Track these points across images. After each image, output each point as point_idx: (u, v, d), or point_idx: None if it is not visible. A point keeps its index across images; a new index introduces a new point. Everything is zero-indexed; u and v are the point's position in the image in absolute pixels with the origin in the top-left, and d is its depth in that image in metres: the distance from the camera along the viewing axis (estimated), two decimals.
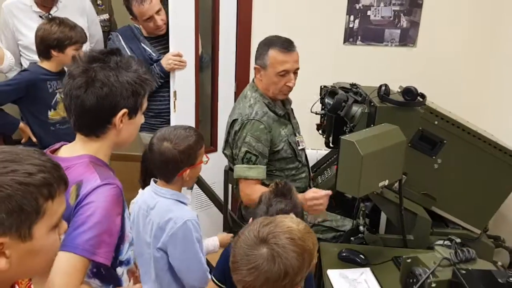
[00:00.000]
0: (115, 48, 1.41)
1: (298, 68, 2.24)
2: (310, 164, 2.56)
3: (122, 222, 1.28)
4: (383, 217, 2.34)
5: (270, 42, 2.22)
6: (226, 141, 2.34)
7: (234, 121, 2.24)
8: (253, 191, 2.11)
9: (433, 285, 1.17)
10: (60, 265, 1.14)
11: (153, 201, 1.72)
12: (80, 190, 1.20)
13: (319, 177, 2.46)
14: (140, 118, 1.36)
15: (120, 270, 1.33)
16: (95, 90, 1.23)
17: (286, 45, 2.19)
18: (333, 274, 1.82)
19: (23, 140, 2.52)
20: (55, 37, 2.32)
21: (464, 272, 1.15)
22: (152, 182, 1.76)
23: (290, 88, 2.24)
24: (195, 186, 2.64)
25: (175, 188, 1.72)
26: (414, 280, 1.20)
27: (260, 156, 2.16)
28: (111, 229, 1.21)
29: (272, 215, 1.40)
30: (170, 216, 1.65)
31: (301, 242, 1.15)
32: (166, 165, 1.69)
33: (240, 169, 2.18)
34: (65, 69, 2.42)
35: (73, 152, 1.31)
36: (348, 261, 1.93)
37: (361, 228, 2.15)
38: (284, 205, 1.62)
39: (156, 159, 1.70)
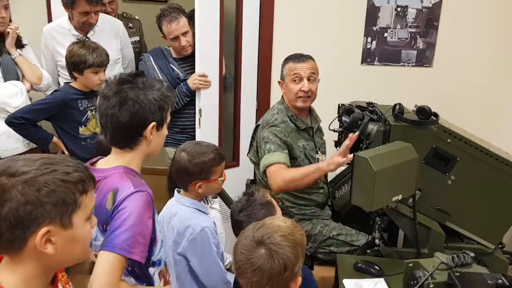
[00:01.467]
0: (141, 71, 1.58)
1: (313, 75, 2.42)
2: (329, 180, 2.68)
3: (153, 226, 1.41)
4: (401, 232, 2.42)
5: (288, 57, 2.50)
6: (251, 145, 2.54)
7: (257, 126, 2.48)
8: (280, 174, 2.22)
9: (431, 286, 1.29)
10: (101, 263, 1.29)
11: (175, 208, 1.87)
12: (116, 196, 1.34)
13: (336, 192, 2.56)
14: (165, 130, 1.52)
15: (152, 270, 1.46)
16: (128, 108, 1.40)
17: (298, 56, 2.45)
18: (349, 284, 1.91)
19: (57, 154, 2.71)
20: (72, 60, 2.49)
21: (458, 274, 1.26)
22: (175, 191, 1.91)
23: (306, 93, 2.40)
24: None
25: (192, 197, 1.86)
26: (415, 282, 1.31)
27: (279, 146, 2.31)
28: (144, 231, 1.35)
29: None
30: (189, 223, 1.80)
31: (292, 236, 1.31)
32: (179, 173, 1.86)
33: (264, 159, 2.32)
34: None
35: (109, 163, 1.47)
36: (363, 272, 2.02)
37: (377, 241, 2.24)
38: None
39: (173, 167, 1.89)
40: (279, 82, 2.54)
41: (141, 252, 1.33)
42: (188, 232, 1.78)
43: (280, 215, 1.80)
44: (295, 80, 2.41)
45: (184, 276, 1.84)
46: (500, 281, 1.22)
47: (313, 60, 2.48)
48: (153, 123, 1.43)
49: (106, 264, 1.28)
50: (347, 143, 2.10)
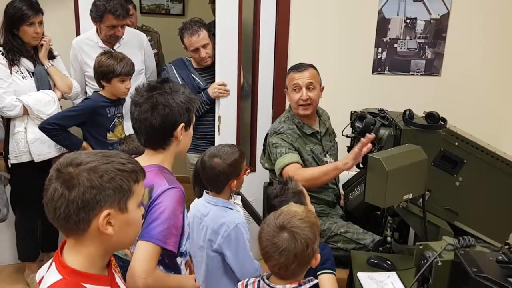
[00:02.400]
0: (166, 77, 1.74)
1: (311, 83, 2.56)
2: (342, 183, 2.82)
3: (183, 219, 1.56)
4: (411, 231, 2.54)
5: (289, 68, 2.67)
6: (263, 152, 2.71)
7: (267, 135, 2.65)
8: (298, 173, 2.35)
9: (439, 263, 1.42)
10: (139, 252, 1.43)
11: (206, 209, 2.00)
12: (152, 192, 1.49)
13: (350, 193, 2.69)
14: (191, 130, 1.67)
15: (179, 260, 1.61)
16: (159, 112, 1.54)
17: (297, 66, 2.61)
18: (363, 277, 2.03)
19: None
20: (101, 70, 2.65)
21: (462, 252, 1.40)
22: (204, 193, 2.05)
23: (305, 101, 2.55)
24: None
25: (224, 197, 2.01)
26: (425, 261, 1.45)
27: (289, 148, 2.47)
28: (177, 224, 1.50)
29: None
30: (223, 221, 1.93)
31: (308, 219, 1.51)
32: (217, 178, 1.98)
33: (278, 162, 2.48)
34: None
35: (143, 162, 1.61)
36: (376, 266, 2.15)
37: (389, 239, 2.37)
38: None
39: (208, 173, 2.00)
40: (285, 91, 2.70)
41: (174, 242, 1.48)
42: (223, 229, 1.91)
43: (309, 203, 2.02)
44: (295, 90, 2.57)
45: (217, 270, 1.98)
46: (500, 257, 1.36)
47: (314, 68, 2.61)
48: (182, 124, 1.58)
49: (144, 253, 1.43)
50: (364, 140, 2.23)
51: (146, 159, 1.63)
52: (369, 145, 2.25)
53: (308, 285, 1.50)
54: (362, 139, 2.18)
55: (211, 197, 2.02)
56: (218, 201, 1.99)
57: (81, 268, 1.10)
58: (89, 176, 1.07)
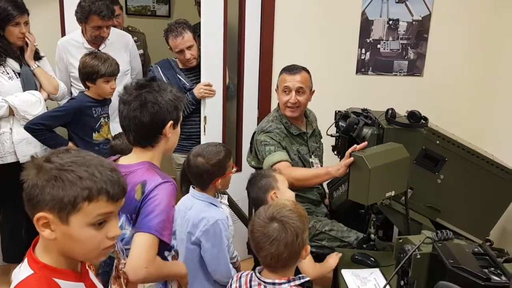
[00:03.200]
0: (153, 76, 1.76)
1: (301, 87, 2.58)
2: (327, 182, 2.85)
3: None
4: (396, 228, 2.59)
5: (283, 69, 2.68)
6: (250, 150, 2.73)
7: (254, 133, 2.68)
8: (288, 172, 2.36)
9: (418, 256, 1.46)
10: (138, 243, 1.47)
11: (190, 203, 2.04)
12: (145, 187, 1.52)
13: (334, 192, 2.73)
14: (179, 129, 1.70)
15: (167, 254, 1.64)
16: (148, 109, 1.57)
17: (290, 68, 2.62)
18: (346, 273, 2.07)
19: None
20: (85, 71, 2.66)
21: (440, 245, 1.44)
22: (191, 188, 2.09)
23: (292, 104, 2.58)
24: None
25: (209, 193, 2.04)
26: (404, 255, 1.49)
27: (277, 146, 2.50)
28: (170, 217, 1.53)
29: None
30: (203, 215, 1.97)
31: (296, 210, 1.57)
32: (201, 176, 2.02)
33: (267, 160, 2.50)
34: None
35: (132, 160, 1.64)
36: (360, 263, 2.19)
37: (372, 236, 2.41)
38: None
39: (193, 172, 2.04)
40: (276, 90, 2.73)
41: (168, 235, 1.51)
42: (203, 223, 1.95)
43: (283, 188, 2.11)
44: (285, 91, 2.60)
45: (194, 264, 2.00)
46: (476, 249, 1.40)
47: (306, 71, 2.63)
48: (171, 122, 1.60)
49: (144, 243, 1.46)
50: (358, 147, 2.22)
51: (134, 157, 1.65)
52: None
53: (297, 281, 1.54)
54: (356, 146, 2.20)
55: (196, 192, 2.06)
56: (202, 196, 2.02)
57: (51, 263, 1.10)
58: (40, 174, 1.05)
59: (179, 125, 1.68)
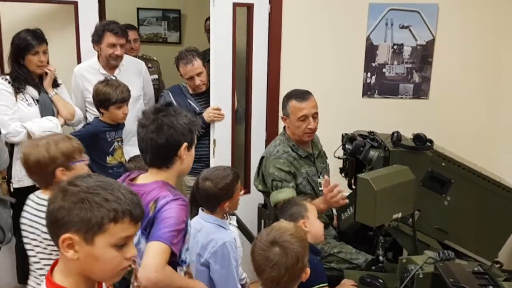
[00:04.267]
0: (169, 101, 1.86)
1: (316, 112, 2.64)
2: None
3: (186, 229, 1.66)
4: (405, 250, 2.60)
5: (289, 95, 2.70)
6: (257, 174, 2.76)
7: (262, 158, 2.71)
8: None
9: (421, 276, 1.50)
10: (151, 250, 1.56)
11: (200, 225, 2.09)
12: (158, 203, 1.61)
13: (342, 214, 2.76)
14: (193, 151, 1.78)
15: (179, 269, 1.70)
16: (164, 132, 1.67)
17: (302, 94, 2.65)
18: None
19: None
20: (98, 98, 2.78)
21: (441, 265, 1.47)
22: (200, 210, 2.14)
23: (312, 130, 2.63)
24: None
25: (217, 215, 2.09)
26: (407, 274, 1.52)
27: (284, 181, 2.54)
28: (179, 230, 1.60)
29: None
30: (212, 237, 2.02)
31: (298, 234, 1.59)
32: (209, 200, 2.08)
33: (272, 196, 2.55)
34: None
35: (148, 180, 1.73)
36: (368, 285, 2.21)
37: (381, 258, 2.43)
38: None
39: (201, 195, 2.10)
40: (282, 118, 2.76)
41: (177, 245, 1.59)
42: (211, 245, 1.99)
43: (312, 216, 2.14)
44: (301, 119, 2.63)
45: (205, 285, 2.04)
46: (476, 268, 1.43)
47: (312, 95, 2.69)
48: (185, 144, 1.69)
49: (154, 250, 1.55)
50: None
51: (151, 177, 1.74)
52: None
53: None
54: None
55: (205, 214, 2.11)
56: (210, 218, 2.07)
57: (69, 286, 1.13)
58: (66, 197, 1.10)
59: (193, 147, 1.76)
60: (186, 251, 1.72)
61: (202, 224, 2.07)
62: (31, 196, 1.90)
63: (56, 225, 1.11)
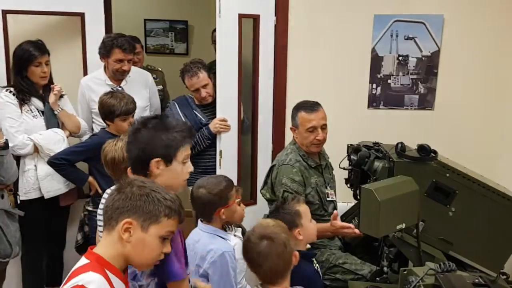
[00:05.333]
0: (159, 114, 1.89)
1: (325, 124, 2.66)
2: (340, 214, 2.88)
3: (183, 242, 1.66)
4: (410, 262, 2.59)
5: (298, 106, 2.72)
6: (265, 182, 2.76)
7: (273, 166, 2.71)
8: None
9: (421, 287, 1.49)
10: None
11: (198, 236, 2.12)
12: None
13: None
14: (179, 167, 1.68)
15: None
16: (136, 144, 1.66)
17: (311, 106, 2.67)
18: None
19: (92, 192, 2.97)
20: (103, 110, 2.80)
21: (442, 276, 1.47)
22: (198, 221, 2.16)
23: (320, 141, 2.65)
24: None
25: (215, 225, 2.11)
26: (408, 286, 1.52)
27: (296, 193, 2.53)
28: (180, 250, 1.60)
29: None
30: (211, 247, 2.03)
31: (279, 225, 1.83)
32: (204, 207, 2.11)
33: None
34: None
35: None
36: None
37: (385, 269, 2.42)
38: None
39: (196, 204, 2.14)
40: (291, 128, 2.78)
41: (185, 265, 1.61)
42: (210, 255, 2.01)
43: (306, 223, 2.17)
44: (310, 131, 2.65)
45: None
46: (477, 280, 1.43)
47: (321, 106, 2.72)
48: (157, 159, 1.63)
49: None
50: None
51: None
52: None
53: None
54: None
55: (203, 225, 2.14)
56: (208, 228, 2.09)
57: (105, 257, 1.33)
58: (134, 190, 1.35)
59: (175, 163, 1.67)
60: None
61: (201, 235, 2.09)
62: (108, 190, 2.00)
63: (119, 210, 1.33)
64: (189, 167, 1.73)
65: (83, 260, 1.33)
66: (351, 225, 2.48)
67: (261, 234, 1.74)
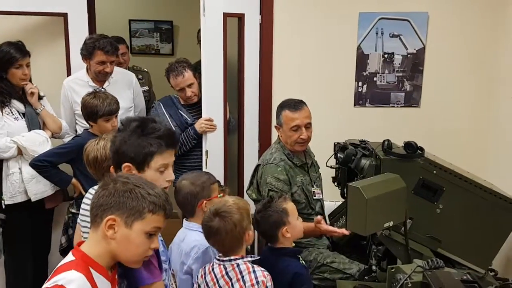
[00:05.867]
0: (145, 117, 1.85)
1: (309, 123, 2.64)
2: (327, 213, 2.87)
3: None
4: (399, 260, 2.58)
5: (283, 104, 2.70)
6: (251, 182, 2.73)
7: (258, 166, 2.68)
8: None
9: (409, 285, 1.47)
10: None
11: (183, 234, 2.11)
12: None
13: (335, 224, 2.74)
14: (155, 175, 1.61)
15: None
16: (112, 146, 1.67)
17: (295, 104, 2.64)
18: None
19: (75, 195, 2.92)
20: (86, 111, 2.74)
21: (430, 273, 1.45)
22: (184, 220, 2.14)
23: (304, 140, 2.62)
24: None
25: (200, 221, 2.06)
26: (396, 284, 1.50)
27: (281, 192, 2.51)
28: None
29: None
30: (195, 243, 2.03)
31: (236, 205, 1.91)
32: (185, 199, 2.12)
33: None
34: None
35: None
36: None
37: (374, 267, 2.40)
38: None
39: (178, 196, 2.14)
40: (276, 127, 2.76)
41: (158, 267, 1.55)
42: (194, 251, 2.01)
43: (293, 220, 2.16)
44: (294, 130, 2.62)
45: None
46: (465, 277, 1.41)
47: (306, 105, 2.69)
48: (127, 164, 1.60)
49: None
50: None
51: None
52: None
53: (249, 258, 1.89)
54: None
55: (188, 222, 2.13)
56: (193, 225, 2.09)
57: (91, 254, 1.32)
58: (118, 187, 1.34)
59: (149, 170, 1.62)
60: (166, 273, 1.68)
61: (186, 233, 2.08)
62: (90, 190, 2.06)
63: (102, 207, 1.33)
64: (168, 176, 1.66)
65: (69, 257, 1.33)
66: (335, 229, 2.45)
67: (215, 211, 1.88)
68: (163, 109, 3.16)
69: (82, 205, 2.04)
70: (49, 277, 1.30)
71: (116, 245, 1.33)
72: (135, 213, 1.31)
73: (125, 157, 1.60)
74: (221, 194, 2.19)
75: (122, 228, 1.32)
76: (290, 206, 2.19)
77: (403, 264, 1.63)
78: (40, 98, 2.98)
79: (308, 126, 2.65)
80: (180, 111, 3.17)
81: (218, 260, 1.89)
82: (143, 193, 1.33)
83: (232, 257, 1.87)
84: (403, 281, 1.47)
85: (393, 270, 1.62)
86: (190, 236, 2.07)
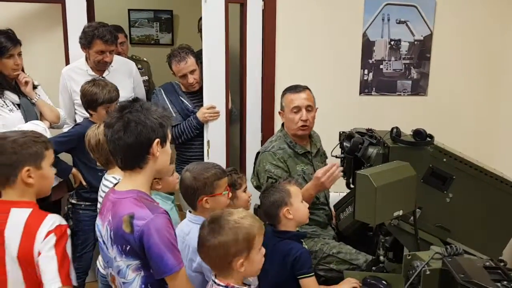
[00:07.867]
0: (136, 97, 1.78)
1: (310, 105, 2.59)
2: (332, 204, 2.80)
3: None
4: (406, 250, 2.52)
5: (285, 89, 2.68)
6: (253, 171, 2.68)
7: (258, 153, 2.65)
8: None
9: (428, 272, 1.41)
10: (173, 285, 1.53)
11: (188, 228, 2.00)
12: (133, 221, 1.49)
13: (341, 214, 2.67)
14: (168, 147, 1.62)
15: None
16: (131, 130, 1.52)
17: (296, 87, 2.63)
18: None
19: (75, 185, 2.85)
20: (85, 99, 2.69)
21: (450, 259, 1.39)
22: (187, 212, 2.06)
23: (305, 123, 2.57)
24: None
25: (201, 215, 1.99)
26: (413, 271, 1.43)
27: (280, 176, 2.45)
28: (173, 243, 1.53)
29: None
30: None
31: (235, 223, 1.59)
32: (186, 191, 2.01)
33: None
34: None
35: (122, 187, 1.60)
36: (372, 287, 2.12)
37: (382, 258, 2.34)
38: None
39: (181, 187, 2.04)
40: (279, 113, 2.73)
41: (180, 257, 1.54)
42: None
43: (296, 202, 2.10)
44: (294, 111, 2.58)
45: None
46: (487, 263, 1.35)
47: (309, 90, 2.65)
48: (157, 140, 1.54)
49: (177, 284, 1.52)
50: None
51: (125, 183, 1.60)
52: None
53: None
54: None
55: (193, 215, 2.03)
56: (199, 219, 1.96)
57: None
58: (13, 145, 1.63)
59: (167, 143, 1.62)
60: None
61: (191, 227, 1.98)
62: (104, 180, 2.26)
63: (11, 166, 1.64)
64: (170, 148, 1.66)
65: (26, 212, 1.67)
66: (330, 165, 2.42)
67: (211, 218, 1.65)
68: (164, 95, 3.09)
69: (101, 192, 2.23)
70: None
71: (36, 187, 1.70)
72: (39, 156, 1.70)
73: (153, 134, 1.56)
74: (227, 192, 2.08)
75: (36, 172, 1.69)
76: (294, 189, 2.14)
77: (420, 251, 1.56)
78: (34, 87, 2.90)
79: (309, 109, 2.59)
80: (181, 98, 3.11)
81: (213, 281, 1.68)
82: (33, 139, 1.71)
83: (219, 282, 1.63)
84: (421, 268, 1.40)
85: (409, 257, 1.55)
86: (196, 231, 1.95)
